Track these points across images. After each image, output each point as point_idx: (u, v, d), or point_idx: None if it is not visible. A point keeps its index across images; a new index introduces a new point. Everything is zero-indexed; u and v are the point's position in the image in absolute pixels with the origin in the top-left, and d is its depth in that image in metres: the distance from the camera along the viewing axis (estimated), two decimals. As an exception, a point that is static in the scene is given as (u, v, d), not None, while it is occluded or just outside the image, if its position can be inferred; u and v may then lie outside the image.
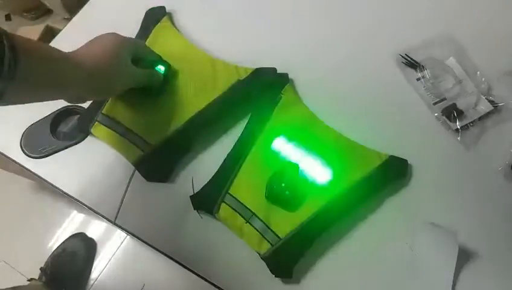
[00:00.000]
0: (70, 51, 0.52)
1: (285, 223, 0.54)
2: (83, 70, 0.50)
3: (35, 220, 1.19)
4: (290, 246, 0.53)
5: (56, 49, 0.48)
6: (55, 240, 1.11)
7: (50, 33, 1.44)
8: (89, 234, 1.02)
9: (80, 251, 1.00)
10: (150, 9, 0.72)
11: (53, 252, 1.04)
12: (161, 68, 0.63)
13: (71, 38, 0.76)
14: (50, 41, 0.76)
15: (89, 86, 0.51)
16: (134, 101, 0.63)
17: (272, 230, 0.54)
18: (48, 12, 1.62)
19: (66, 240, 1.04)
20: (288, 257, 0.53)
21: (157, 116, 0.62)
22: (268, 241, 0.53)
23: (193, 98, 0.64)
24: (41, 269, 1.00)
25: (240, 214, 0.55)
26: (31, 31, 1.43)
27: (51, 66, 0.46)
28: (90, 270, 1.00)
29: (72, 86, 0.50)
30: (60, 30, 0.77)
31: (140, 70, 0.58)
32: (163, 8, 0.72)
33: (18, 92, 0.42)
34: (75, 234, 1.02)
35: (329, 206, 0.54)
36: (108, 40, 0.55)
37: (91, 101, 0.65)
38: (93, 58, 0.52)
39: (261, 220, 0.54)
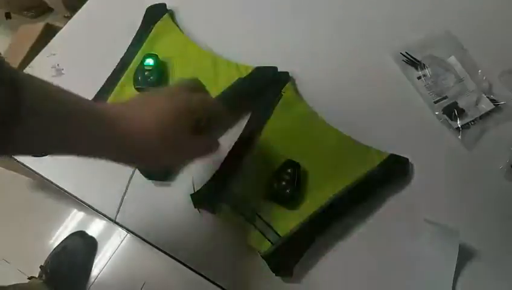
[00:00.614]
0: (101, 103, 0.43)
1: (286, 222, 0.54)
2: (121, 138, 0.39)
3: (35, 219, 1.19)
4: (290, 245, 0.53)
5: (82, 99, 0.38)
6: (56, 238, 1.11)
7: (50, 31, 1.44)
8: (89, 233, 1.02)
9: (80, 249, 1.00)
10: (150, 7, 0.72)
11: (53, 250, 1.04)
12: None
13: (71, 36, 0.76)
14: (50, 40, 0.76)
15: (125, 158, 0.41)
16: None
17: (272, 229, 0.53)
18: (48, 10, 1.63)
19: (66, 238, 1.04)
20: (289, 255, 0.53)
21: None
22: (269, 240, 0.53)
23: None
24: (41, 267, 1.00)
25: (240, 213, 0.55)
26: (31, 29, 1.42)
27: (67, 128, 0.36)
28: (91, 268, 1.00)
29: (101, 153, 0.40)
30: (60, 28, 0.77)
31: (202, 140, 0.47)
32: (164, 5, 0.72)
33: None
34: (75, 232, 1.02)
35: (330, 205, 0.54)
36: (165, 107, 0.41)
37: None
38: (139, 127, 0.40)
39: (262, 219, 0.54)
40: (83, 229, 1.05)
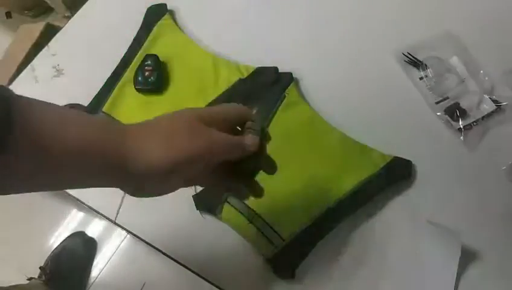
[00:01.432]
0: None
1: (288, 224, 0.53)
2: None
3: (35, 219, 1.19)
4: (293, 248, 0.52)
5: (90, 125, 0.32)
6: (56, 239, 1.11)
7: (50, 31, 1.43)
8: (89, 233, 1.02)
9: (80, 250, 1.00)
10: (151, 7, 0.72)
11: (53, 251, 1.04)
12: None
13: (72, 36, 0.76)
14: (50, 40, 0.75)
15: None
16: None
17: (275, 231, 0.53)
18: (48, 10, 1.63)
19: (65, 239, 1.03)
20: (291, 258, 0.52)
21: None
22: (271, 243, 0.53)
23: (194, 97, 0.63)
24: (41, 268, 1.00)
25: (242, 215, 0.54)
26: (31, 29, 1.42)
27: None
28: (90, 269, 1.00)
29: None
30: (60, 28, 0.77)
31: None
32: (164, 5, 0.72)
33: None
34: (75, 232, 1.02)
35: (333, 208, 0.53)
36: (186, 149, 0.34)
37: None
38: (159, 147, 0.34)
39: (264, 221, 0.54)
40: (83, 230, 1.05)
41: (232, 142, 0.38)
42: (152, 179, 0.35)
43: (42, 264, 1.00)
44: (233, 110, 0.40)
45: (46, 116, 0.30)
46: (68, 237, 1.05)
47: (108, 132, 0.34)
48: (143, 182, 0.35)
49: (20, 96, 0.29)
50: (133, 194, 0.37)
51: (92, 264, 0.97)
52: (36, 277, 1.00)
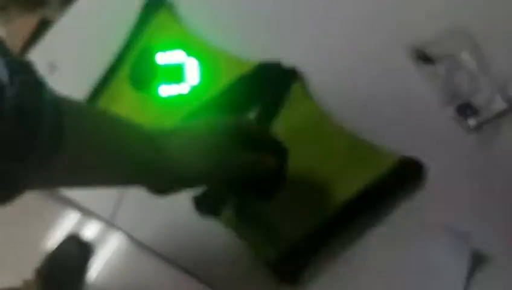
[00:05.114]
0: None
1: (293, 229, 0.52)
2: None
3: (30, 220, 1.19)
4: (296, 252, 0.51)
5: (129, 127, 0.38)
6: (51, 240, 1.11)
7: (44, 24, 1.42)
8: (86, 235, 1.02)
9: (76, 252, 1.00)
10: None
11: (49, 253, 1.04)
12: None
13: (66, 31, 0.75)
14: (44, 33, 0.75)
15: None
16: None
17: (278, 235, 0.52)
18: (42, 3, 1.62)
19: (62, 241, 1.03)
20: (295, 263, 0.51)
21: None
22: (274, 247, 0.51)
23: (192, 94, 0.62)
24: (36, 270, 1.00)
25: (243, 218, 0.53)
26: (24, 23, 1.41)
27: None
28: (86, 272, 1.00)
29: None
30: (54, 22, 0.76)
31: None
32: (162, -3, 0.70)
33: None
34: (72, 235, 1.02)
35: (340, 212, 0.52)
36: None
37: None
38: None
39: (267, 225, 0.52)
40: (79, 232, 1.05)
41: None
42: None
43: (37, 267, 1.01)
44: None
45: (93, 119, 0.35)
46: (64, 240, 1.05)
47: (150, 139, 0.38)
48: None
49: (69, 101, 0.32)
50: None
51: (88, 268, 0.98)
52: (32, 279, 1.00)
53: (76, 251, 0.99)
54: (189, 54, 0.65)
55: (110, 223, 0.60)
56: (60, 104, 0.30)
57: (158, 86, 0.63)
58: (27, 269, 1.01)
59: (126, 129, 0.38)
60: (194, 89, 0.63)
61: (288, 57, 0.62)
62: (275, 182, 0.48)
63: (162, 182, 0.41)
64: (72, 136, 0.30)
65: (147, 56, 0.65)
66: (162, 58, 0.64)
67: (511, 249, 0.51)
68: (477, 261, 0.50)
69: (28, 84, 0.27)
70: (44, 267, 1.01)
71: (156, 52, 0.65)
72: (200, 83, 0.63)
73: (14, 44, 1.34)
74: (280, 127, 0.57)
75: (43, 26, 1.45)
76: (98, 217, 0.62)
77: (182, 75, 0.64)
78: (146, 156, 0.38)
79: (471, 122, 0.56)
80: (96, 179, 0.37)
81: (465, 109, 0.57)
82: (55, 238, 1.17)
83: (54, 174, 0.31)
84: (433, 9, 0.65)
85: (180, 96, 0.63)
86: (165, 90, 0.63)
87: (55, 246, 1.06)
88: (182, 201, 0.56)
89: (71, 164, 0.31)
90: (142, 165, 0.38)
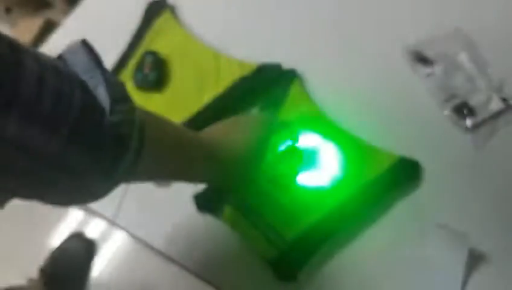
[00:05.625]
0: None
1: (291, 227, 0.52)
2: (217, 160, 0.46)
3: (33, 218, 1.19)
4: (295, 250, 0.52)
5: (187, 132, 0.45)
6: (54, 239, 1.10)
7: (50, 26, 1.43)
8: (89, 233, 1.01)
9: (80, 252, 0.99)
10: (151, 2, 0.71)
11: (52, 252, 1.03)
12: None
13: (71, 32, 0.75)
14: (50, 34, 0.75)
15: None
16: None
17: (277, 233, 0.52)
18: (47, 5, 1.62)
19: (65, 240, 1.03)
20: (294, 260, 0.52)
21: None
22: (274, 245, 0.52)
23: (194, 96, 0.62)
24: (40, 269, 0.99)
25: (244, 216, 0.54)
26: (30, 24, 1.42)
27: (177, 154, 0.42)
28: (90, 271, 0.99)
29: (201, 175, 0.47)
30: (59, 24, 0.77)
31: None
32: (164, 1, 0.71)
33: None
34: (75, 233, 1.01)
35: (337, 209, 0.52)
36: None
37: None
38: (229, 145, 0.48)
39: (267, 223, 0.53)
40: (83, 230, 1.04)
41: None
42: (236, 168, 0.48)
43: (41, 265, 1.00)
44: None
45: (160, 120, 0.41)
46: (68, 238, 1.04)
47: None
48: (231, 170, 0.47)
49: (147, 113, 0.37)
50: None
51: (91, 267, 0.97)
52: (35, 278, 0.99)
53: (80, 249, 0.98)
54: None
55: (113, 223, 0.60)
56: (143, 121, 0.34)
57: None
58: (32, 267, 1.01)
59: (186, 133, 0.45)
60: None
61: (287, 59, 0.62)
62: None
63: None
64: (149, 146, 0.35)
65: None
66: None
67: (507, 247, 0.52)
68: (474, 259, 0.50)
69: (126, 114, 0.32)
70: (48, 265, 1.01)
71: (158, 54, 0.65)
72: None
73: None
74: (279, 125, 0.57)
75: (48, 28, 1.45)
76: (101, 216, 0.62)
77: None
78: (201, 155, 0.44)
79: (468, 122, 0.56)
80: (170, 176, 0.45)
81: (462, 109, 0.57)
82: (59, 237, 1.16)
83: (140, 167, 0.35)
84: (431, 11, 0.65)
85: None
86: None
87: (60, 244, 1.06)
88: (183, 200, 0.57)
89: (149, 166, 0.37)
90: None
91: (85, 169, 0.31)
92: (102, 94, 0.30)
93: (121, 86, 0.34)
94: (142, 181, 0.42)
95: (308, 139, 0.57)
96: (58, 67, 0.29)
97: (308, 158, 0.55)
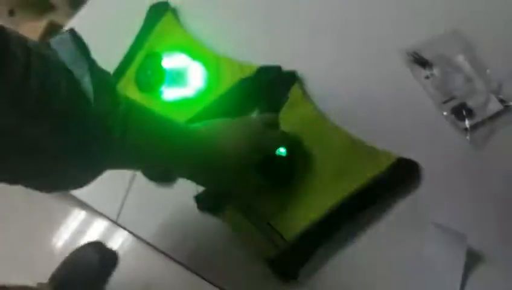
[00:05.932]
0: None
1: (292, 226, 0.53)
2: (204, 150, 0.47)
3: (36, 219, 1.19)
4: (295, 249, 0.52)
5: (173, 123, 0.46)
6: (57, 239, 1.11)
7: (53, 29, 1.43)
8: (91, 233, 1.00)
9: (93, 261, 0.95)
10: (153, 5, 0.72)
11: (66, 257, 0.99)
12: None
13: None
14: (53, 38, 0.75)
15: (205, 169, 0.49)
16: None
17: (278, 233, 0.53)
18: (51, 7, 1.63)
19: (81, 247, 0.98)
20: (294, 260, 0.52)
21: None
22: (274, 244, 0.52)
23: (196, 97, 0.63)
24: (52, 275, 0.96)
25: (245, 215, 0.54)
26: (33, 27, 1.42)
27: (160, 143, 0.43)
28: (105, 281, 0.94)
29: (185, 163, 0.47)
30: (63, 26, 0.77)
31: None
32: (166, 3, 0.72)
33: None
34: (93, 242, 0.97)
35: (337, 210, 0.53)
36: (242, 137, 0.50)
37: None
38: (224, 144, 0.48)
39: (267, 222, 0.53)
40: (85, 229, 1.03)
41: None
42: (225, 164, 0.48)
43: (47, 266, 0.97)
44: None
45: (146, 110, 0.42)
46: (84, 245, 0.99)
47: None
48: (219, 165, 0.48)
49: (131, 103, 0.38)
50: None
51: (107, 279, 0.93)
52: (45, 282, 0.97)
53: (94, 258, 0.93)
54: (193, 58, 0.66)
55: (115, 222, 0.60)
56: (127, 111, 0.36)
57: (163, 88, 0.64)
58: (36, 266, 1.00)
59: (172, 124, 0.46)
60: (198, 92, 0.64)
61: (287, 61, 0.63)
62: (289, 169, 0.55)
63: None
64: (133, 135, 0.37)
65: (153, 60, 0.66)
66: (168, 62, 0.66)
67: (505, 247, 0.52)
68: (473, 259, 0.50)
69: (111, 104, 0.34)
70: (60, 272, 0.97)
71: (162, 57, 0.66)
72: (204, 86, 0.64)
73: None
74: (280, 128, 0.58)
75: (51, 31, 1.46)
76: (103, 216, 0.62)
77: (186, 79, 0.65)
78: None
79: (467, 123, 0.57)
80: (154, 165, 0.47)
81: (461, 111, 0.57)
82: (61, 236, 1.16)
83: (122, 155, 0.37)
84: (428, 12, 0.66)
85: (184, 99, 0.64)
86: (170, 93, 0.64)
87: (77, 250, 1.00)
88: (185, 201, 0.57)
89: (133, 154, 0.39)
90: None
91: (69, 156, 0.32)
92: (87, 84, 0.31)
93: (107, 76, 0.35)
94: (127, 169, 0.44)
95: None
96: (45, 55, 0.30)
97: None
